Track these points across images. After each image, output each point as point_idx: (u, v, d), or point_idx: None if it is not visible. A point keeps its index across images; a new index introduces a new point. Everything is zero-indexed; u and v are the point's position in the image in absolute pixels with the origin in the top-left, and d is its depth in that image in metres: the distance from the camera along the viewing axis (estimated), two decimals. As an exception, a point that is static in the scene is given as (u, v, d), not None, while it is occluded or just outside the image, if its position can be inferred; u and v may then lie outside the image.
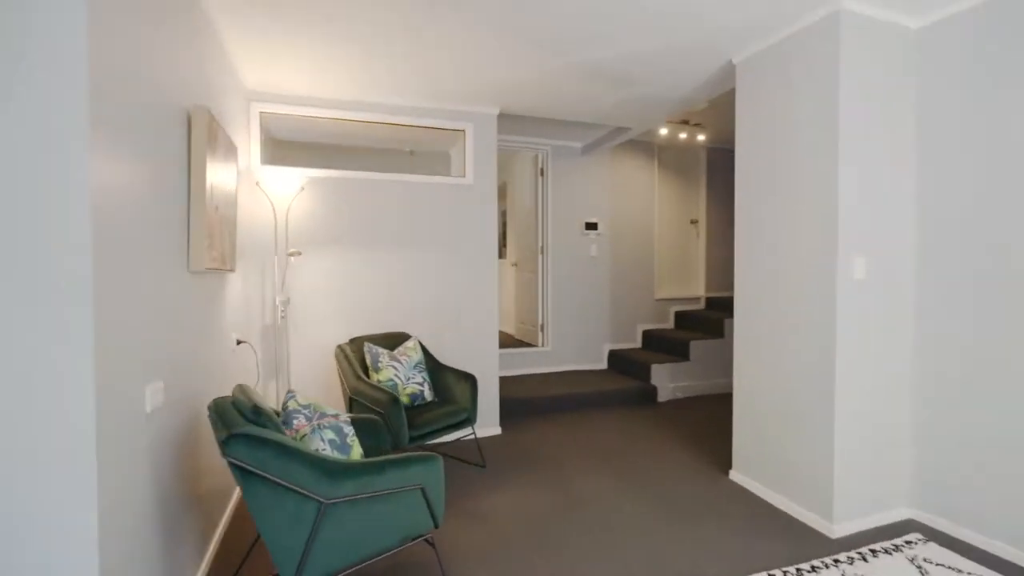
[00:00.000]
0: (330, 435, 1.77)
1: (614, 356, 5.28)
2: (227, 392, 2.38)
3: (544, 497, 2.77)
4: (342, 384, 3.04)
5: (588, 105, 3.68)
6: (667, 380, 4.70)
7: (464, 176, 3.73)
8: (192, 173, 1.94)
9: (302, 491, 1.56)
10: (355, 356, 3.08)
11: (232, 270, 2.51)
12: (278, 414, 1.96)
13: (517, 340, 5.93)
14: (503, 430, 3.89)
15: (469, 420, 3.07)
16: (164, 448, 1.66)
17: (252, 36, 2.55)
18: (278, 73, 3.02)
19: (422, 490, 1.81)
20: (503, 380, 4.79)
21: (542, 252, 5.27)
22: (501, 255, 8.23)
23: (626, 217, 5.48)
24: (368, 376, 3.04)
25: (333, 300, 3.42)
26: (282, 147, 4.48)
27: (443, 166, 4.21)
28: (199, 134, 1.95)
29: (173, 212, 1.82)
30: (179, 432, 1.78)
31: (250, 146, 3.23)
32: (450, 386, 3.22)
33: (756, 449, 2.79)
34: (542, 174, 5.24)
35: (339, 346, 3.11)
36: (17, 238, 1.14)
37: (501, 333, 6.81)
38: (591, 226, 5.31)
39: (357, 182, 3.46)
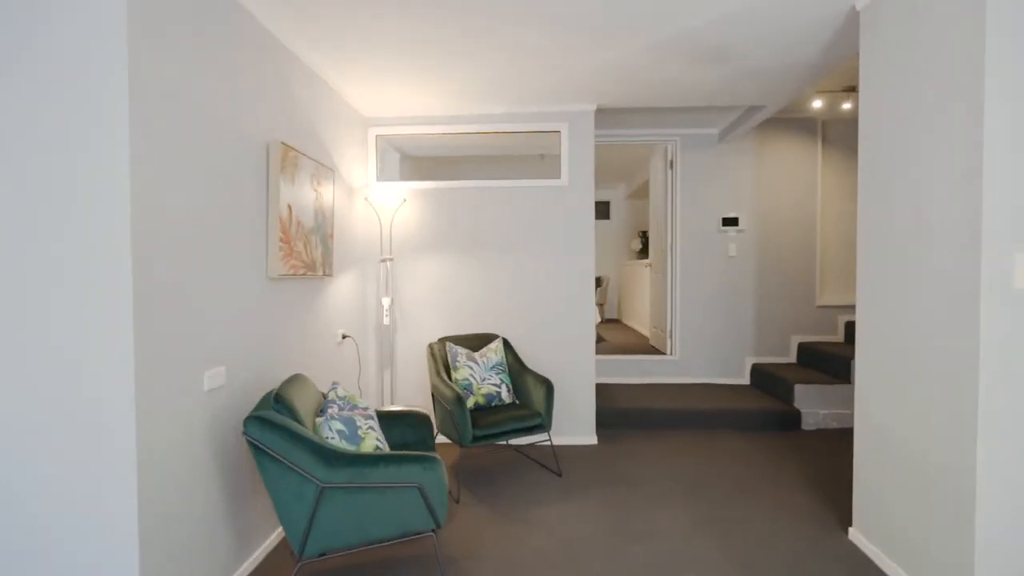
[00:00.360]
0: (338, 426, 1.95)
1: (758, 371, 4.56)
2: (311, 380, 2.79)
3: (607, 520, 2.58)
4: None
5: (691, 87, 3.27)
6: (816, 404, 3.88)
7: (559, 178, 3.66)
8: (269, 196, 2.34)
9: (303, 472, 1.77)
10: (440, 355, 3.29)
11: (328, 275, 2.93)
12: (325, 397, 2.24)
13: (651, 347, 5.56)
14: (599, 440, 3.71)
15: (542, 426, 3.02)
16: (227, 423, 2.04)
17: (358, 75, 2.94)
18: (387, 102, 3.42)
19: (420, 489, 1.87)
20: (619, 388, 4.56)
21: (670, 251, 4.84)
22: (646, 255, 7.80)
23: (777, 209, 4.68)
24: (449, 374, 3.22)
25: (432, 301, 3.71)
26: (421, 163, 5.02)
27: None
28: (274, 163, 2.34)
29: (253, 228, 2.23)
30: (245, 411, 2.17)
31: (367, 166, 3.71)
32: (529, 390, 3.21)
33: (879, 506, 2.15)
34: (671, 167, 4.82)
35: (430, 345, 3.36)
36: (72, 253, 1.56)
37: (638, 337, 6.47)
38: (730, 222, 4.68)
39: (454, 191, 3.69)
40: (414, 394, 3.74)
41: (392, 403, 3.72)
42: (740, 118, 4.19)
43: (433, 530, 1.95)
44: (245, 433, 1.77)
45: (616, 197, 9.19)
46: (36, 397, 1.58)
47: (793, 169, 4.67)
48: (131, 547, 1.58)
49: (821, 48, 2.73)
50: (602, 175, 7.83)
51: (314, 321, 2.85)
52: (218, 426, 1.98)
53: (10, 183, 1.56)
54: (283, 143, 2.37)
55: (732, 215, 4.69)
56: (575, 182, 3.65)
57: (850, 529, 2.35)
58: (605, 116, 4.27)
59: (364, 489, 1.82)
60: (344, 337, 3.26)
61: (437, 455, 1.93)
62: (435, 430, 3.42)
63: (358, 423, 2.01)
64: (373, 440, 2.03)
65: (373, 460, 1.83)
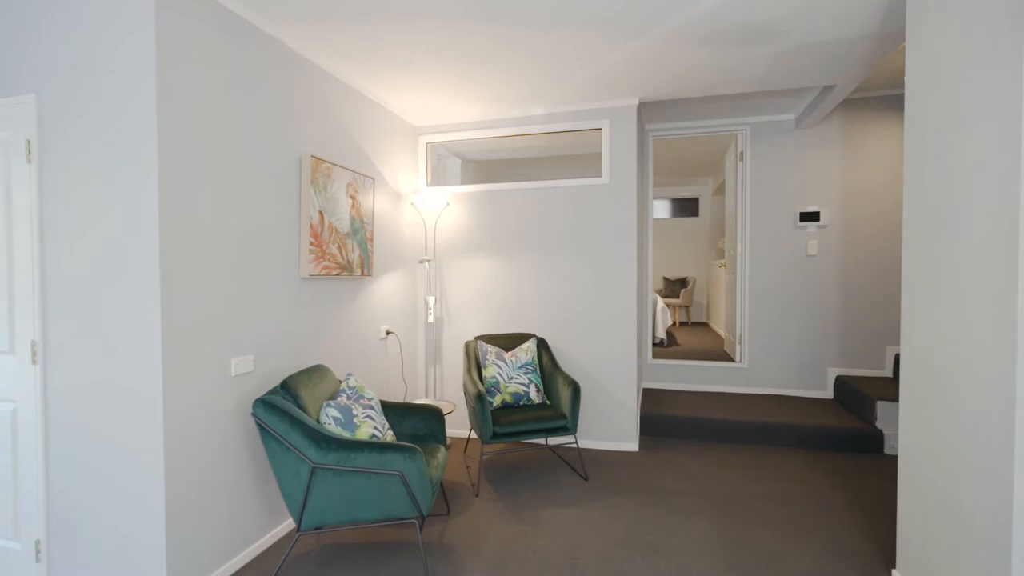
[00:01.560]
0: (334, 413, 2.13)
1: (842, 384, 4.05)
2: (339, 371, 3.03)
3: (619, 529, 2.49)
4: (465, 376, 3.41)
5: (738, 71, 3.01)
6: (904, 426, 3.35)
7: (600, 176, 3.58)
8: (301, 204, 2.62)
9: (298, 452, 1.97)
10: (473, 353, 3.40)
11: (367, 275, 3.18)
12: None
13: (725, 353, 5.18)
14: (641, 448, 3.56)
15: (567, 428, 2.99)
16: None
17: (399, 88, 3.17)
18: (433, 111, 3.61)
19: (401, 477, 1.98)
20: (677, 394, 4.33)
21: (740, 250, 4.47)
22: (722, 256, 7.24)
23: (869, 201, 4.11)
24: (480, 372, 3.31)
25: (476, 300, 3.83)
26: (484, 166, 5.21)
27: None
28: (305, 175, 2.61)
29: (285, 233, 2.52)
30: (276, 394, 2.45)
31: (417, 172, 3.94)
32: (557, 391, 3.19)
33: (922, 546, 1.84)
34: (741, 158, 4.45)
35: (466, 343, 3.49)
36: (115, 257, 1.89)
37: (718, 342, 6.04)
38: (809, 216, 4.21)
39: (496, 193, 3.77)
40: (459, 389, 3.89)
41: (436, 397, 3.90)
42: (816, 100, 3.75)
43: (417, 518, 2.05)
44: (253, 414, 2.01)
45: (705, 193, 8.65)
46: (89, 376, 1.95)
47: (890, 154, 4.07)
48: (158, 506, 1.89)
49: (876, 17, 2.37)
50: (688, 170, 7.43)
51: (352, 317, 3.11)
52: (245, 408, 2.26)
53: (65, 198, 1.95)
54: (313, 156, 2.63)
55: (812, 209, 4.21)
56: (617, 180, 3.54)
57: (893, 572, 2.03)
58: (667, 109, 4.08)
59: (351, 472, 1.98)
60: (388, 333, 3.50)
61: (418, 448, 2.02)
62: (447, 424, 3.54)
63: (354, 411, 2.17)
64: (369, 428, 2.19)
65: (358, 446, 1.97)
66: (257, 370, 2.33)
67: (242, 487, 2.24)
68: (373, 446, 1.98)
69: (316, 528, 2.05)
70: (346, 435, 2.11)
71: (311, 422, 2.01)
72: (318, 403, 2.24)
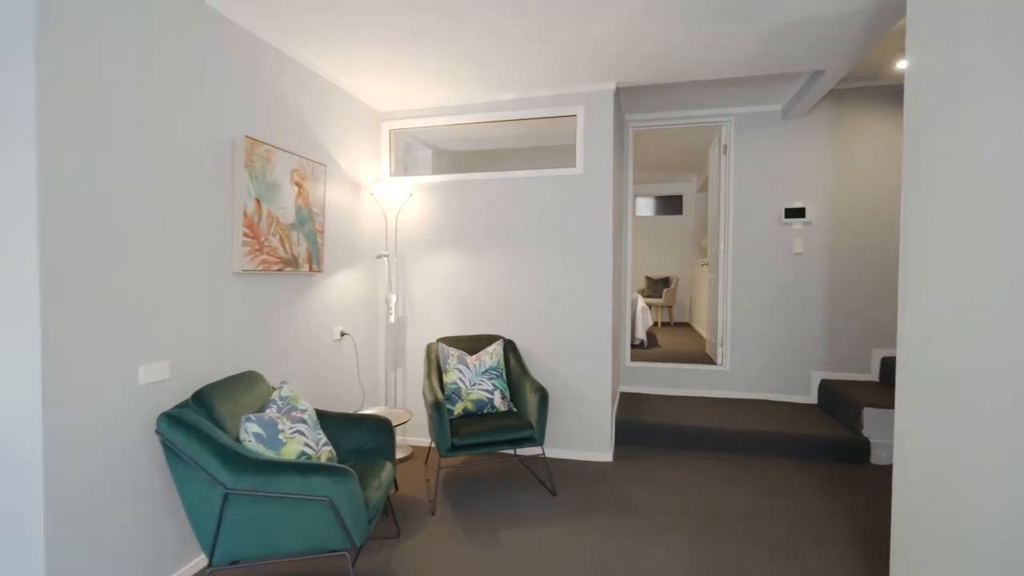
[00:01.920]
0: (255, 428, 1.84)
1: (827, 389, 3.86)
2: (282, 377, 2.74)
3: (587, 551, 2.25)
4: (426, 381, 3.15)
5: (723, 53, 2.78)
6: (892, 434, 3.16)
7: (575, 166, 3.34)
8: (234, 190, 2.33)
9: (209, 474, 1.69)
10: (434, 356, 3.13)
11: (317, 271, 2.89)
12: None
13: (705, 355, 4.98)
14: (616, 458, 3.33)
15: (533, 438, 2.74)
16: (173, 415, 2.04)
17: (357, 69, 2.88)
18: (397, 95, 3.35)
19: (331, 503, 1.72)
20: (653, 399, 4.11)
21: (722, 248, 4.27)
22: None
23: (857, 198, 3.92)
24: (441, 378, 3.05)
25: (442, 299, 3.56)
26: (458, 158, 4.92)
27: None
28: (238, 157, 2.32)
29: (213, 223, 2.22)
30: (200, 404, 2.16)
31: (380, 160, 3.66)
32: (525, 397, 2.94)
33: (920, 568, 1.62)
34: (725, 152, 4.24)
35: (428, 345, 3.22)
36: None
37: (701, 344, 5.84)
38: (795, 213, 4.01)
39: (462, 184, 3.50)
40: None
41: (398, 404, 3.63)
42: (804, 87, 3.54)
43: (349, 549, 1.79)
44: (156, 430, 1.73)
45: (689, 190, 8.46)
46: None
47: (880, 149, 3.88)
48: (37, 541, 1.59)
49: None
50: (672, 166, 7.23)
51: (300, 318, 2.82)
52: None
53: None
54: (248, 137, 2.34)
55: (798, 205, 4.01)
56: (593, 170, 3.30)
57: (886, 604, 1.82)
58: (648, 97, 3.84)
59: (271, 498, 1.71)
60: (343, 335, 3.22)
61: (350, 469, 1.76)
62: (410, 432, 3.28)
63: (280, 426, 1.89)
64: (298, 445, 1.91)
65: (279, 467, 1.70)
66: (175, 377, 2.04)
67: (153, 514, 1.95)
68: (296, 468, 1.71)
69: (232, 563, 1.78)
70: (268, 454, 1.84)
71: (227, 440, 1.74)
72: (241, 417, 1.96)
